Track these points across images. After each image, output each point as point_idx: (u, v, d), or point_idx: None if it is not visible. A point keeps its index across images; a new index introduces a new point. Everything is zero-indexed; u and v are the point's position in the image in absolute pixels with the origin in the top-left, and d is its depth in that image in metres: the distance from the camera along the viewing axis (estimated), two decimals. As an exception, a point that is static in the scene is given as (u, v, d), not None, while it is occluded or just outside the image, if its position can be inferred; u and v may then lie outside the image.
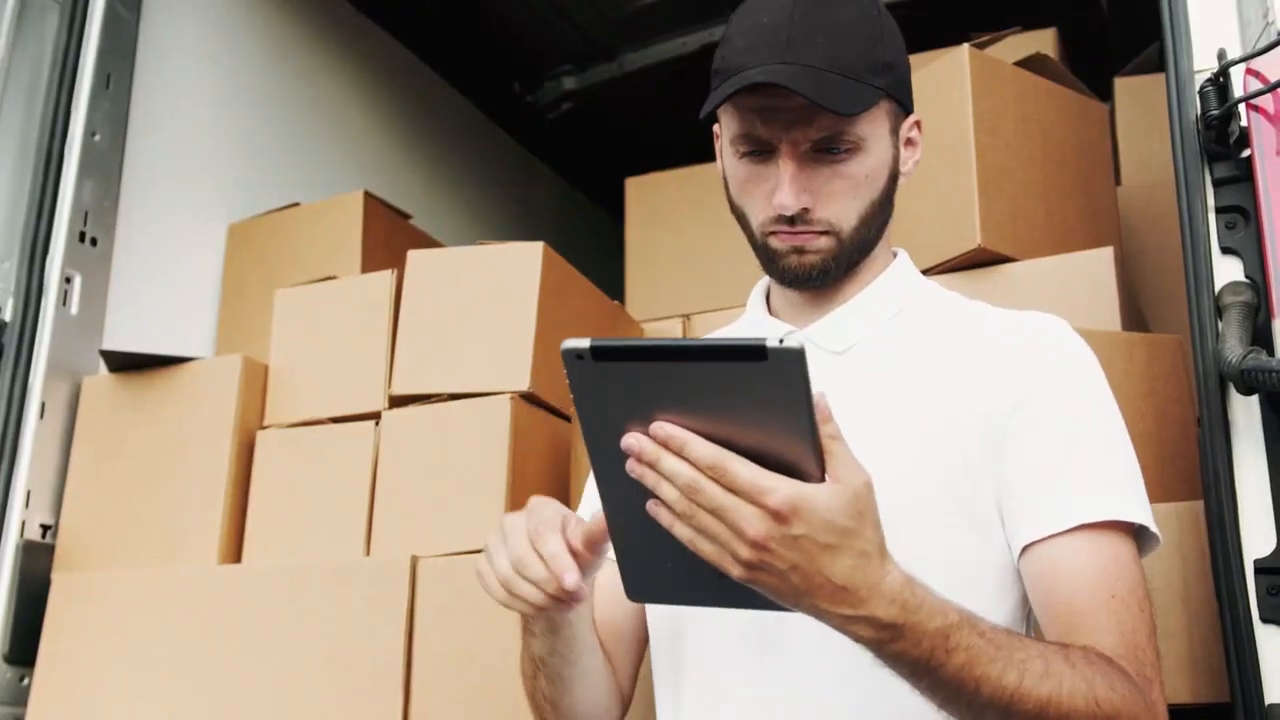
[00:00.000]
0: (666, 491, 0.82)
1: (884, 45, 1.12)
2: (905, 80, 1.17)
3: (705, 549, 0.82)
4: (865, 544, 0.83)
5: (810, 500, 0.80)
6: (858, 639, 0.85)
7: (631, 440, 0.82)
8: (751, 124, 1.10)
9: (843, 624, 0.84)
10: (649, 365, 0.79)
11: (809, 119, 1.08)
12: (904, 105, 1.17)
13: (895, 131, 1.16)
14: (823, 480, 0.82)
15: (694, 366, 0.78)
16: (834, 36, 1.08)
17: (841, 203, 1.11)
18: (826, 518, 0.81)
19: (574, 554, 0.95)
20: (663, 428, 0.81)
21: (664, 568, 0.88)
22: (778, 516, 0.80)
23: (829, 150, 1.10)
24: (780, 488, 0.80)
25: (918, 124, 1.20)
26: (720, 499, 0.80)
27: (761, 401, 0.79)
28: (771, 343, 0.75)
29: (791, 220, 1.11)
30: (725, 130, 1.16)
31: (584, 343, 0.79)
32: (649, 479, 0.82)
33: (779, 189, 1.10)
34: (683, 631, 1.13)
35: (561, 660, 1.12)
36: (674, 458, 0.81)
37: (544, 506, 1.00)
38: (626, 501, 0.85)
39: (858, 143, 1.10)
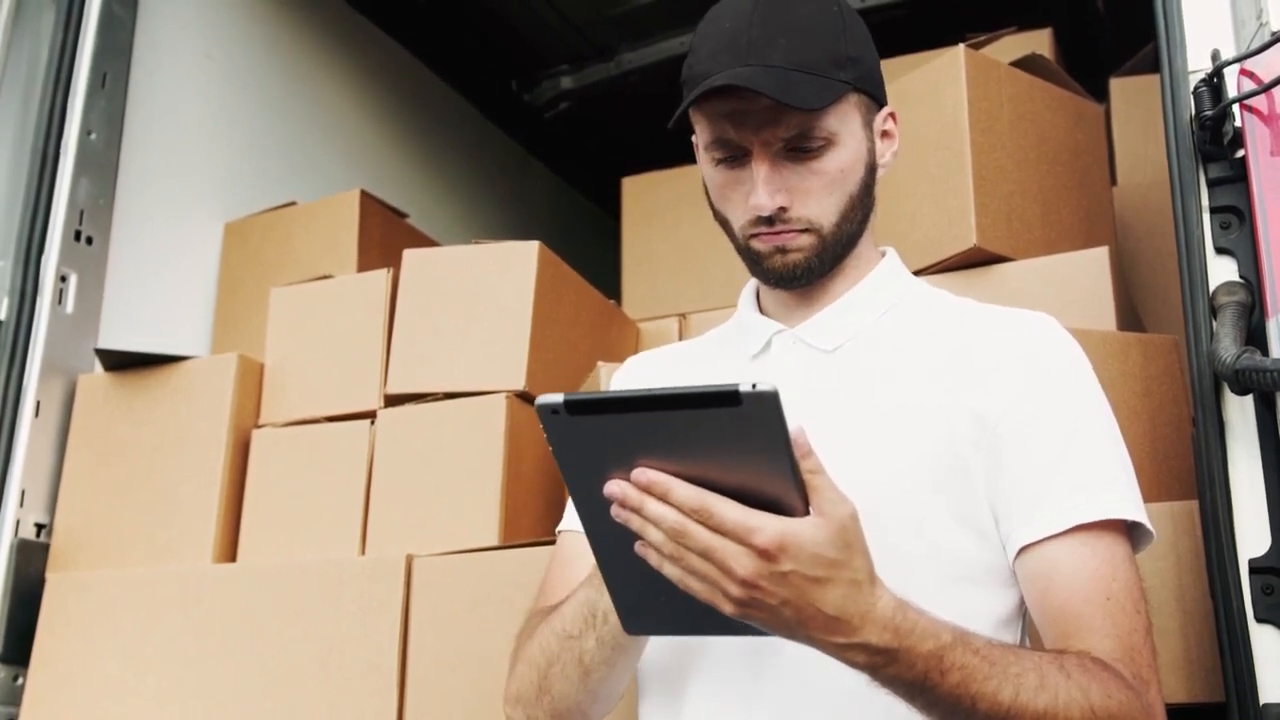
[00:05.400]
0: (653, 535, 0.82)
1: (847, 40, 1.12)
2: (874, 73, 1.17)
3: (696, 587, 0.83)
4: (855, 574, 0.84)
5: (797, 536, 0.81)
6: (853, 665, 0.87)
7: (614, 487, 0.82)
8: (722, 129, 1.11)
9: (837, 652, 0.86)
10: (623, 416, 0.80)
11: (777, 118, 1.08)
12: (875, 98, 1.17)
13: (869, 125, 1.16)
14: (807, 514, 0.83)
15: (668, 415, 0.79)
16: (794, 35, 1.08)
17: (819, 199, 1.12)
18: (814, 552, 0.82)
19: None
20: (644, 473, 0.81)
21: (657, 602, 0.88)
22: (766, 555, 0.81)
23: (801, 148, 1.10)
24: (767, 526, 0.81)
25: (892, 115, 1.20)
26: (708, 540, 0.81)
27: (740, 443, 0.80)
28: (745, 387, 0.76)
29: (770, 221, 1.11)
30: (699, 138, 1.16)
31: (558, 398, 0.80)
32: (634, 524, 0.83)
33: (754, 190, 1.10)
34: (680, 651, 1.12)
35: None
36: (658, 503, 0.81)
37: None
38: (615, 543, 0.86)
39: (829, 138, 1.10)
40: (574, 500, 0.87)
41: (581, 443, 0.82)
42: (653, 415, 0.79)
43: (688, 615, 0.87)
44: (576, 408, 0.80)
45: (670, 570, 0.83)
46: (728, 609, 0.83)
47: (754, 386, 0.76)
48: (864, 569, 0.85)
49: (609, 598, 1.05)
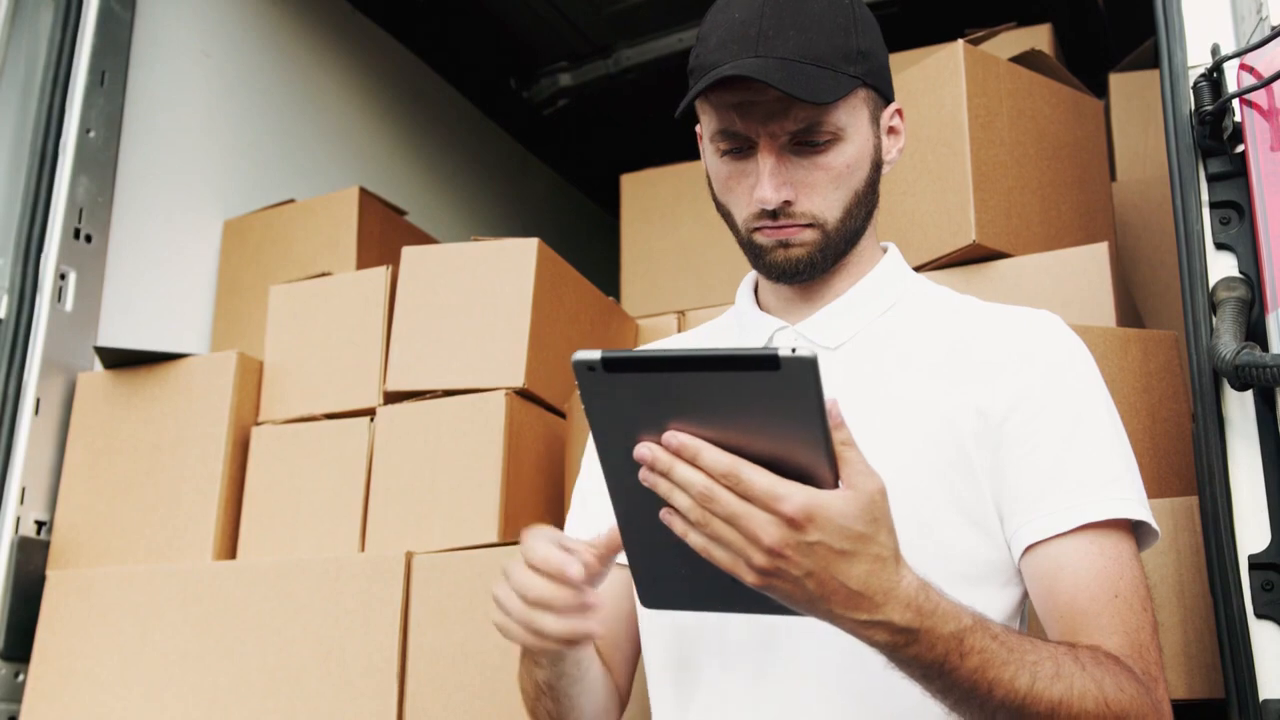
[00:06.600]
0: (680, 500, 0.82)
1: (858, 34, 1.11)
2: (882, 68, 1.16)
3: (719, 556, 0.82)
4: (880, 549, 0.83)
5: (826, 507, 0.80)
6: (872, 643, 0.86)
7: (644, 450, 0.81)
8: (729, 120, 1.10)
9: (858, 629, 0.85)
10: (660, 376, 0.79)
11: (785, 111, 1.07)
12: (883, 93, 1.16)
13: (876, 120, 1.15)
14: (837, 486, 0.82)
15: (706, 376, 0.78)
16: (805, 28, 1.08)
17: (824, 194, 1.11)
18: (841, 524, 0.81)
19: (585, 566, 0.96)
20: (675, 437, 0.81)
21: (678, 575, 0.88)
22: (793, 523, 0.80)
23: (808, 142, 1.09)
24: (795, 494, 0.80)
25: (899, 111, 1.19)
26: (735, 506, 0.80)
27: (774, 409, 0.79)
28: (784, 352, 0.75)
29: (774, 214, 1.11)
30: (705, 128, 1.16)
31: (595, 354, 0.79)
32: (662, 488, 0.82)
33: (759, 183, 1.09)
34: (689, 646, 1.12)
35: (569, 681, 1.12)
36: (687, 466, 0.81)
37: (535, 534, 1.00)
38: (639, 510, 0.85)
39: (837, 132, 1.10)
40: (602, 463, 0.86)
41: (614, 402, 0.81)
42: (689, 376, 0.78)
43: (707, 590, 0.87)
44: (614, 365, 0.79)
45: (694, 538, 0.82)
46: (750, 579, 0.82)
47: (794, 351, 0.75)
48: (890, 545, 0.84)
49: (544, 672, 1.10)
